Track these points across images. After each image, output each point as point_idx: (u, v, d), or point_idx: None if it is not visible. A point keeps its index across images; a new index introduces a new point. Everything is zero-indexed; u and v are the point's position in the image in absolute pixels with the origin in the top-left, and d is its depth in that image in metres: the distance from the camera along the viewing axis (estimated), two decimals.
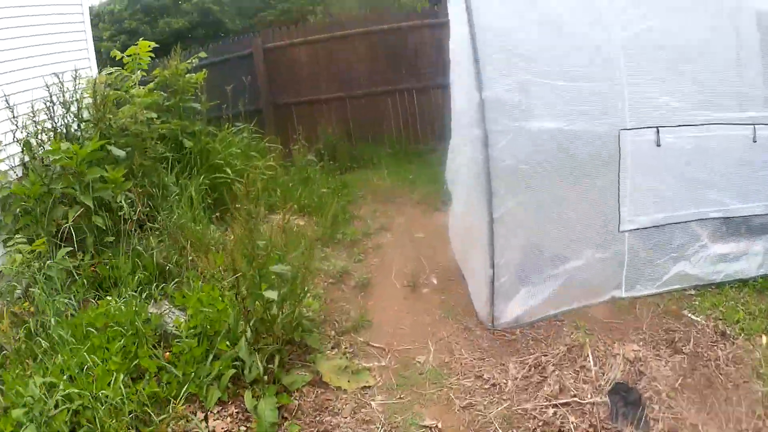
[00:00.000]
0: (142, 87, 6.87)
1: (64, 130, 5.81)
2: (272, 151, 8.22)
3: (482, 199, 4.11)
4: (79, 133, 6.00)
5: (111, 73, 7.09)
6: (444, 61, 8.30)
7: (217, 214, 6.53)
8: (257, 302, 3.73)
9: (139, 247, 5.08)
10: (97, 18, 24.68)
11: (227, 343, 3.93)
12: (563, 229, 4.35)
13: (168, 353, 4.03)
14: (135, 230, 5.41)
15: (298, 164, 7.97)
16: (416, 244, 6.05)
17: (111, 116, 5.87)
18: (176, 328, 4.15)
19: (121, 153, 5.64)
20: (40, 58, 6.28)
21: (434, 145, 8.71)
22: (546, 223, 4.32)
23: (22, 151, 5.49)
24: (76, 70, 5.93)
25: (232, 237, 4.39)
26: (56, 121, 5.81)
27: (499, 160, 4.02)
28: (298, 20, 15.17)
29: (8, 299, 4.56)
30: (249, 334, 3.73)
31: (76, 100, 5.94)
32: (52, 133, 5.76)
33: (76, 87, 5.94)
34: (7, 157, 5.45)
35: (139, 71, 7.52)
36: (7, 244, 4.93)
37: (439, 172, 7.34)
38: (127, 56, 7.46)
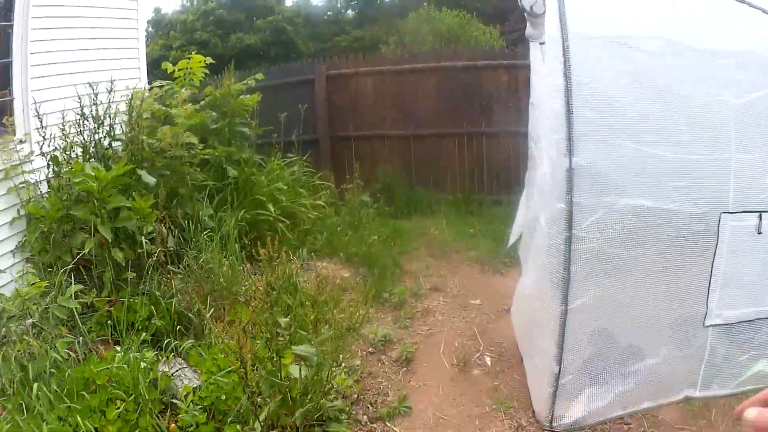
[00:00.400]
0: (189, 105, 6.39)
1: (92, 148, 5.34)
2: (324, 188, 7.69)
3: (557, 285, 3.43)
4: (111, 152, 5.57)
5: (155, 87, 6.71)
6: (519, 106, 7.75)
7: (254, 253, 6.02)
8: (273, 388, 3.12)
9: (157, 292, 4.54)
10: (168, 26, 25.09)
11: (238, 427, 3.33)
12: (643, 323, 3.68)
13: (173, 424, 3.48)
14: (158, 268, 4.91)
15: (350, 204, 7.40)
16: (471, 312, 5.37)
17: (145, 137, 5.40)
18: (185, 397, 3.58)
19: (151, 180, 5.17)
20: (81, 63, 5.86)
21: (500, 196, 8.05)
22: (625, 316, 3.66)
23: (48, 167, 5.06)
24: (111, 81, 5.47)
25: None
26: (85, 137, 5.36)
27: (583, 242, 3.35)
28: (370, 48, 14.83)
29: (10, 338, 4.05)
30: (260, 425, 3.12)
31: (109, 114, 5.47)
32: (81, 149, 5.33)
33: (111, 99, 5.48)
34: (37, 169, 5.02)
35: (186, 88, 7.15)
36: (16, 273, 4.49)
37: (502, 229, 6.69)
38: (178, 70, 7.08)
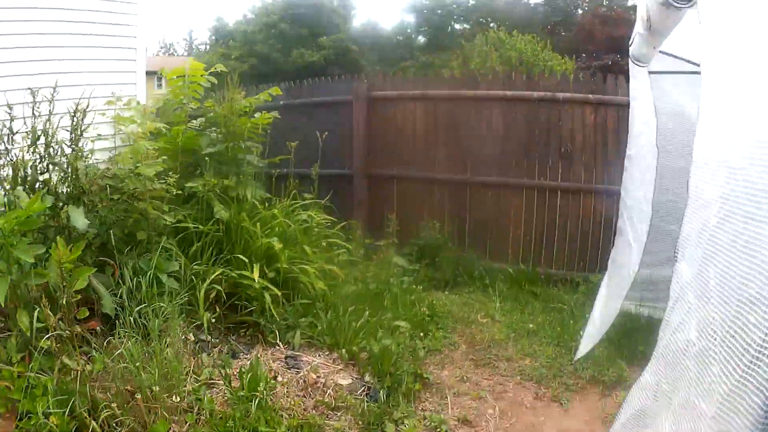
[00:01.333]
0: (156, 121, 4.98)
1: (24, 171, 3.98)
2: (350, 240, 6.08)
3: None
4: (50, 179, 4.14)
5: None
6: (608, 157, 6.04)
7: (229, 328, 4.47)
8: None
9: (49, 384, 3.04)
10: (228, 35, 24.24)
11: None
12: None
13: None
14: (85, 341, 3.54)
15: (380, 265, 5.75)
16: None
17: (83, 162, 3.96)
18: None
19: (81, 222, 3.72)
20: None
21: (574, 274, 6.28)
22: None
23: None
24: (55, 87, 4.02)
25: None
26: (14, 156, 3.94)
27: None
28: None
29: None
30: None
31: (48, 130, 4.04)
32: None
33: (52, 110, 4.03)
34: None
35: (188, 100, 5.74)
36: None
37: (571, 327, 4.96)
38: (176, 77, 5.65)
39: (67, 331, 3.43)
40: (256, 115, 5.60)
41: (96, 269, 3.96)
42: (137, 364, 3.39)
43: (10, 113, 3.96)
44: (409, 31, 28.36)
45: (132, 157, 4.63)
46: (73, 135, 4.16)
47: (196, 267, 4.68)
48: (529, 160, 6.55)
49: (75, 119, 4.26)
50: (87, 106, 4.24)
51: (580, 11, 25.71)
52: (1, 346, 3.44)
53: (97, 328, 4.24)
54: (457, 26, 27.69)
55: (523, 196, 6.61)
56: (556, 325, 5.16)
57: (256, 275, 4.33)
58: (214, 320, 4.62)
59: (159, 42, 35.15)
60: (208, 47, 27.17)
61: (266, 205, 5.46)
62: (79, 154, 4.23)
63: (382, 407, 3.68)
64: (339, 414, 3.62)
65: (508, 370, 4.47)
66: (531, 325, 5.16)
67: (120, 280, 4.22)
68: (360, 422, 3.55)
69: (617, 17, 20.76)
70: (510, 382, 4.32)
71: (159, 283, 4.27)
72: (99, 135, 4.74)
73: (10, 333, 3.53)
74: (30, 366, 3.27)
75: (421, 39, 27.89)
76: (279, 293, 4.46)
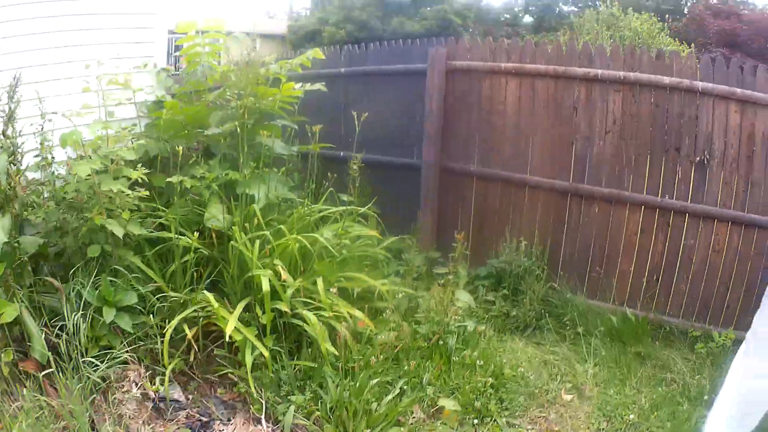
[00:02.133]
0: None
1: None
2: (403, 255, 4.70)
3: None
4: None
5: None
6: (751, 172, 4.51)
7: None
8: None
9: None
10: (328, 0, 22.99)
11: None
12: None
13: None
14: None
15: (443, 291, 4.29)
16: None
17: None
18: None
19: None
20: None
21: (692, 325, 4.65)
22: None
23: None
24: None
25: None
26: None
27: None
28: None
29: None
30: None
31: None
32: None
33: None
34: None
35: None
36: None
37: (690, 412, 3.41)
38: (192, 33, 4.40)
39: None
40: (296, 86, 4.26)
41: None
42: None
43: None
44: (516, 9, 26.65)
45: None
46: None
47: (173, 294, 3.44)
48: (653, 168, 4.85)
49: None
50: None
51: (690, 1, 23.83)
52: None
53: (32, 372, 3.21)
54: (565, 8, 26.05)
55: (641, 216, 4.93)
56: (667, 408, 3.55)
57: (231, 323, 2.99)
58: (189, 368, 3.41)
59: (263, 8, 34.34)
60: (308, 12, 26.12)
61: (287, 208, 4.14)
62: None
63: None
64: None
65: None
66: (632, 416, 3.52)
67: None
68: None
69: (729, 11, 19.26)
70: None
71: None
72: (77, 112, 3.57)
73: None
74: None
75: (528, 18, 26.32)
76: (267, 349, 3.11)
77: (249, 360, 3.01)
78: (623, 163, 4.94)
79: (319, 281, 3.43)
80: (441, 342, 3.77)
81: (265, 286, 3.17)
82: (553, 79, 5.20)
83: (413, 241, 5.34)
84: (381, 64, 6.23)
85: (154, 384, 3.16)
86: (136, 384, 3.17)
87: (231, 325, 3.00)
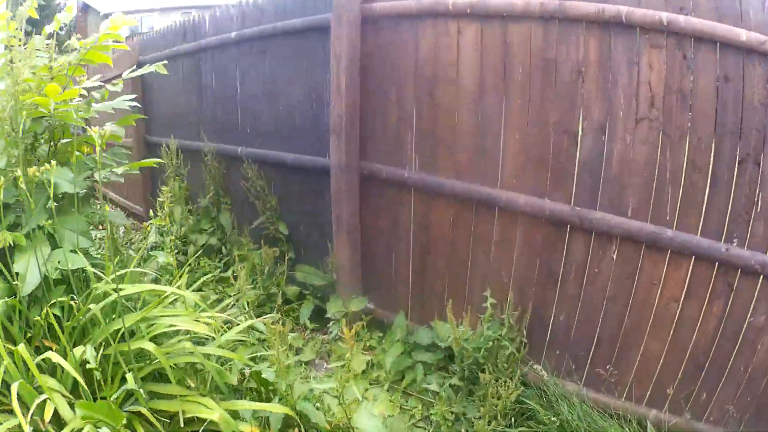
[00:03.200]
0: None
1: None
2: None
3: None
4: None
5: None
6: None
7: None
8: None
9: None
10: None
11: None
12: None
13: None
14: None
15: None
16: None
17: None
18: None
19: None
20: None
21: None
22: None
23: None
24: None
25: None
26: None
27: None
28: None
29: None
30: None
31: None
32: None
33: None
34: None
35: None
36: None
37: None
38: None
39: None
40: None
41: None
42: None
43: None
44: None
45: None
46: None
47: None
48: (716, 190, 2.72)
49: None
50: None
51: None
52: None
53: None
54: None
55: (688, 272, 2.81)
56: None
57: None
58: None
59: None
60: None
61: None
62: None
63: None
64: None
65: None
66: None
67: None
68: None
69: None
70: None
71: None
72: None
73: None
74: None
75: None
76: None
77: None
78: (665, 177, 2.78)
79: None
80: None
81: None
82: (541, 23, 3.01)
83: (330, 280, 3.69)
84: (278, 20, 4.08)
85: None
86: None
87: None
